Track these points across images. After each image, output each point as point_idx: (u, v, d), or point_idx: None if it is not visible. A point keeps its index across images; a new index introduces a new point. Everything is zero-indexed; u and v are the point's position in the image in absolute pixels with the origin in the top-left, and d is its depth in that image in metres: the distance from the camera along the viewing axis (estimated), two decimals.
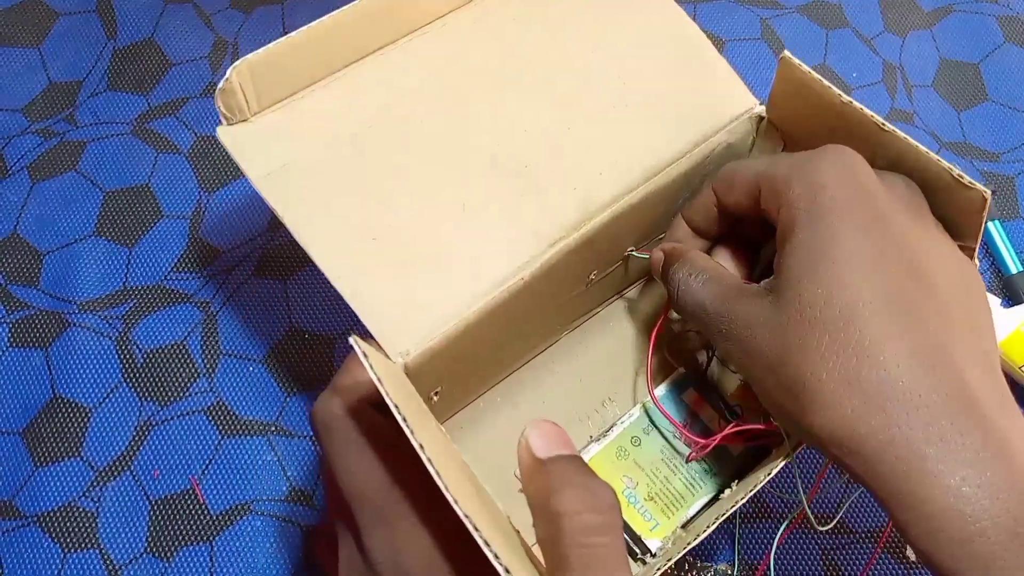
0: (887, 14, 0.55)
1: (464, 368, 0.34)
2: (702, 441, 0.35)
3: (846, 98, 0.30)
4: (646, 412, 0.37)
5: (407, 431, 0.24)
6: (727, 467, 0.36)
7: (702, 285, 0.30)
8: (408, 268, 0.30)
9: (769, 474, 0.30)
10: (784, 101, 0.34)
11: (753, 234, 0.33)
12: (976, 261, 0.30)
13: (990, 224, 0.47)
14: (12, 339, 0.44)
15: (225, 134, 0.31)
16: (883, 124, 0.29)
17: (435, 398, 0.33)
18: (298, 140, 0.32)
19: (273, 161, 0.31)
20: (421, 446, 0.24)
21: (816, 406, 0.25)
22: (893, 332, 0.25)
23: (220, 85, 0.30)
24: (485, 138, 0.33)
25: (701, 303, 0.30)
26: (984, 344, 0.27)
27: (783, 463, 0.30)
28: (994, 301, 0.44)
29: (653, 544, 0.34)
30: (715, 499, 0.36)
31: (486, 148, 0.33)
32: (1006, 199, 0.49)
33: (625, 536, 0.35)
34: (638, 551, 0.35)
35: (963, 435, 0.24)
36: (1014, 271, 0.46)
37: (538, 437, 0.26)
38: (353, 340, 0.26)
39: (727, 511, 0.30)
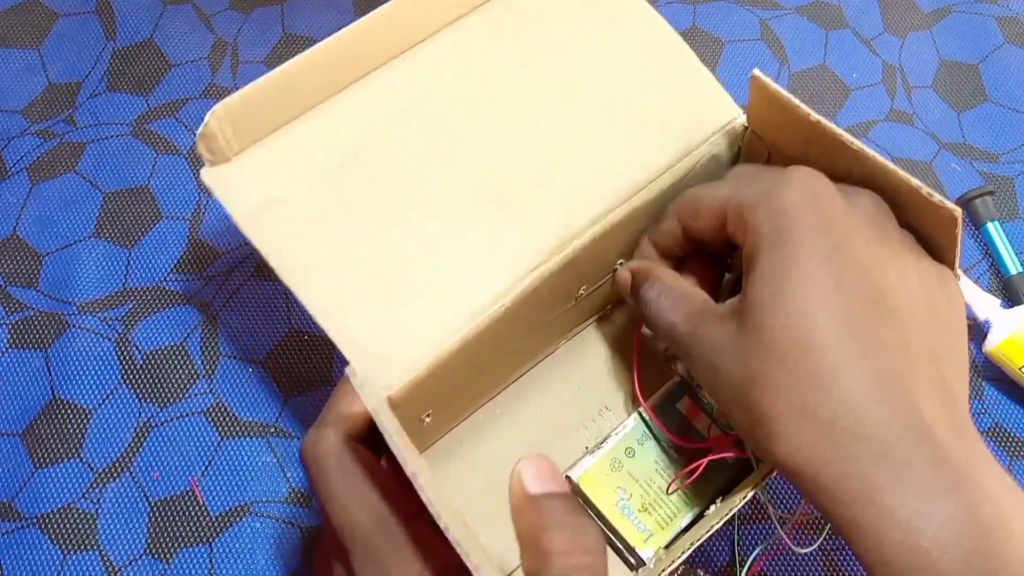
0: (886, 15, 0.55)
1: (453, 391, 0.34)
2: (689, 443, 0.34)
3: (815, 116, 0.30)
4: (641, 422, 0.37)
5: (401, 458, 0.24)
6: (720, 476, 0.36)
7: (672, 305, 0.30)
8: (390, 300, 0.30)
9: (744, 498, 0.30)
10: (760, 115, 0.34)
11: (721, 250, 0.33)
12: (958, 272, 0.29)
13: (990, 225, 0.47)
14: (11, 340, 0.44)
15: (208, 176, 0.31)
16: (851, 142, 0.29)
17: (427, 420, 0.33)
18: (280, 177, 0.32)
19: (256, 199, 0.31)
20: (415, 474, 0.24)
21: (775, 436, 0.25)
22: (849, 363, 0.25)
23: (200, 130, 0.30)
24: (466, 163, 0.33)
25: (672, 323, 0.30)
26: (944, 372, 0.26)
27: (752, 492, 0.30)
28: (993, 302, 0.44)
29: (646, 554, 0.34)
30: (708, 508, 0.35)
31: (467, 173, 0.33)
32: (1006, 200, 0.49)
33: (619, 546, 0.35)
34: (632, 561, 0.35)
35: (915, 467, 0.24)
36: (1014, 272, 0.46)
37: (531, 471, 0.26)
38: (349, 370, 0.26)
39: (702, 536, 0.30)
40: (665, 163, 0.34)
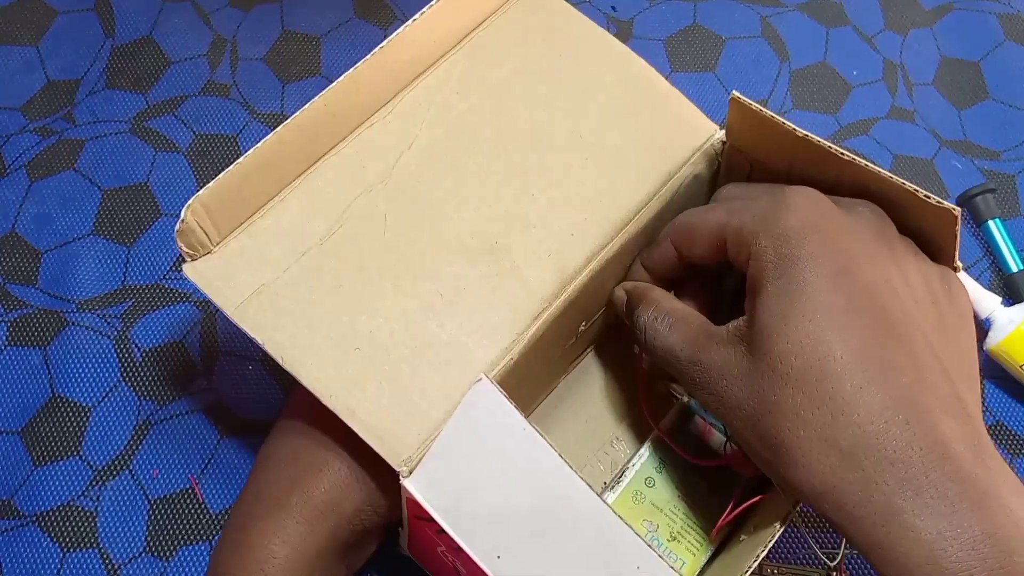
0: (887, 12, 0.55)
1: None
2: (710, 462, 0.34)
3: (801, 132, 0.30)
4: (655, 450, 0.37)
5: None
6: (743, 492, 0.35)
7: (670, 329, 0.30)
8: (396, 372, 0.30)
9: (775, 534, 0.29)
10: (742, 134, 0.34)
11: (715, 269, 0.33)
12: (958, 264, 0.29)
13: (991, 222, 0.47)
14: (10, 338, 0.44)
15: (192, 271, 0.31)
16: (842, 153, 0.29)
17: None
18: (265, 261, 0.31)
19: (245, 289, 0.30)
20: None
21: (795, 462, 0.25)
22: (866, 387, 0.25)
23: (177, 226, 0.29)
24: (451, 221, 0.33)
25: (671, 349, 0.30)
26: (958, 387, 0.26)
27: (783, 528, 0.29)
28: (995, 300, 0.44)
29: None
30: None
31: (453, 232, 0.32)
32: (1007, 197, 0.49)
33: None
34: None
35: (938, 488, 0.24)
36: (1015, 269, 0.46)
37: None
38: (402, 477, 0.28)
39: (748, 568, 0.29)
40: (650, 190, 0.34)
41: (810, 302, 0.25)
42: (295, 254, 0.31)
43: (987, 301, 0.44)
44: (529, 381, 0.35)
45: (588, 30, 0.37)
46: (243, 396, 0.43)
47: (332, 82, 0.32)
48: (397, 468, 0.28)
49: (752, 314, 0.27)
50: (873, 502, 0.24)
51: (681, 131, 0.35)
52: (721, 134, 0.35)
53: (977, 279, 0.47)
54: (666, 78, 0.37)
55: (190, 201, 0.29)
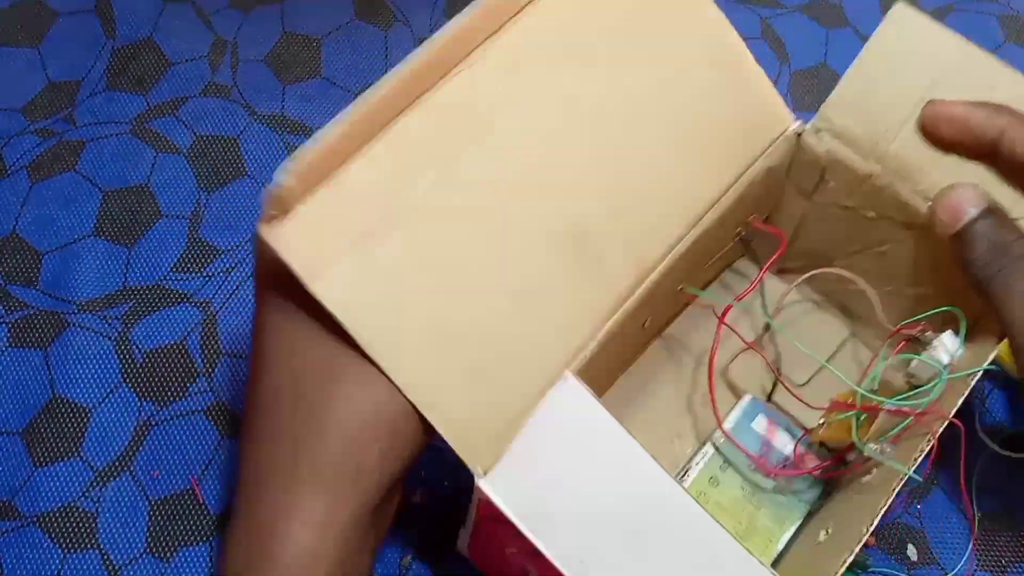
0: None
1: None
2: (773, 469, 0.33)
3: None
4: (718, 449, 0.36)
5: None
6: (810, 486, 0.35)
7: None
8: (477, 366, 0.28)
9: (890, 497, 0.28)
10: (879, 57, 0.34)
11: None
12: None
13: None
14: (11, 339, 0.44)
15: (268, 233, 0.27)
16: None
17: None
18: (349, 230, 0.28)
19: (325, 260, 0.27)
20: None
21: None
22: None
23: (269, 190, 0.26)
24: (540, 200, 0.30)
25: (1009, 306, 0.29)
26: None
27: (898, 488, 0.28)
28: None
29: None
30: (804, 524, 0.34)
31: (542, 212, 0.30)
32: None
33: None
34: None
35: None
36: None
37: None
38: (481, 483, 0.27)
39: (853, 551, 0.28)
40: (727, 181, 0.33)
41: None
42: (383, 224, 0.28)
43: None
44: (596, 377, 0.35)
45: None
46: (243, 397, 0.43)
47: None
48: (472, 468, 0.27)
49: None
50: None
51: (761, 119, 0.34)
52: (797, 125, 0.34)
53: None
54: None
55: (286, 163, 0.26)
